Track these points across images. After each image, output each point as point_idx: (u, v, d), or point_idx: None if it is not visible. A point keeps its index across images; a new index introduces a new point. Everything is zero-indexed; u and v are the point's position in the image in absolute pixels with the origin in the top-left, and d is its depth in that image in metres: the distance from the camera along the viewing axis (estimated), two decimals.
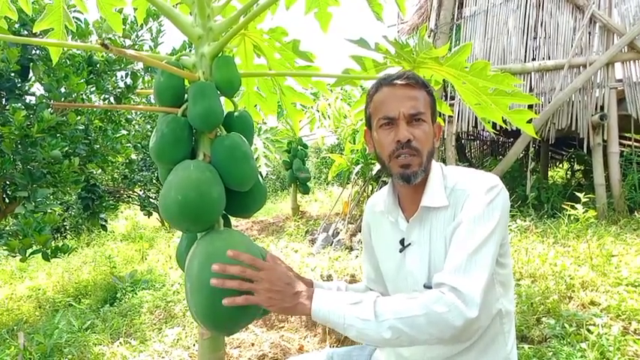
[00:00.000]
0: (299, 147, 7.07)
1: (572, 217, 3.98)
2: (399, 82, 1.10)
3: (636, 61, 5.09)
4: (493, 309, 1.10)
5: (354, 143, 5.68)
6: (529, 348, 2.18)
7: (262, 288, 0.96)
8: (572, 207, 3.77)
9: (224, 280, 0.95)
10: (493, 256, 1.00)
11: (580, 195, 3.73)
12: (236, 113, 1.23)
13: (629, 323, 2.33)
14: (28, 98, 3.58)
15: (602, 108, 5.10)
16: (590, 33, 5.26)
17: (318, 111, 6.38)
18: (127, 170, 7.45)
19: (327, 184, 11.71)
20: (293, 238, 5.65)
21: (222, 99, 1.21)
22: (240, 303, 0.95)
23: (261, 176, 1.27)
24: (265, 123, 6.31)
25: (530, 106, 5.03)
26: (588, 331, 2.21)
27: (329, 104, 6.27)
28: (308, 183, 7.23)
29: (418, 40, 1.34)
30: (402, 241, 1.18)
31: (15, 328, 3.49)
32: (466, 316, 0.91)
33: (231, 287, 0.95)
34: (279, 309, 0.97)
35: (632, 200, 4.93)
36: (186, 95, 1.17)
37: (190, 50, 1.35)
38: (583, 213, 3.66)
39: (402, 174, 1.09)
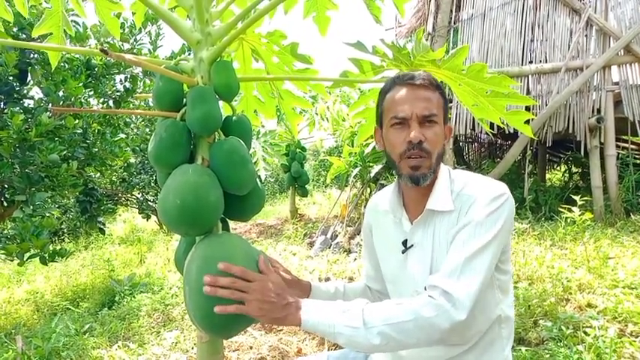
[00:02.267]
0: (297, 150, 7.07)
1: (569, 220, 3.99)
2: (413, 82, 1.11)
3: (632, 64, 5.12)
4: (493, 314, 1.10)
5: (353, 146, 5.68)
6: (526, 350, 2.18)
7: (253, 298, 0.97)
8: (569, 210, 3.79)
9: (216, 289, 0.96)
10: (491, 263, 1.00)
11: (577, 198, 3.74)
12: (234, 117, 1.23)
13: (626, 325, 2.34)
14: (26, 102, 3.57)
15: (598, 111, 5.12)
16: (586, 36, 5.29)
17: (317, 114, 6.39)
18: (125, 173, 7.42)
19: (325, 187, 11.70)
20: (291, 240, 5.65)
21: (221, 103, 1.21)
22: (232, 311, 0.97)
23: (260, 180, 1.27)
24: (264, 126, 6.31)
25: (527, 109, 5.07)
26: (585, 333, 2.22)
27: (327, 107, 6.28)
28: (306, 185, 7.23)
29: (415, 42, 1.34)
30: (404, 243, 1.17)
31: (13, 331, 3.47)
32: (453, 319, 0.92)
33: (222, 296, 0.96)
34: (269, 319, 0.98)
35: (628, 203, 4.95)
36: (185, 99, 1.17)
37: (189, 54, 1.35)
38: (580, 215, 3.67)
39: (412, 175, 1.09)
